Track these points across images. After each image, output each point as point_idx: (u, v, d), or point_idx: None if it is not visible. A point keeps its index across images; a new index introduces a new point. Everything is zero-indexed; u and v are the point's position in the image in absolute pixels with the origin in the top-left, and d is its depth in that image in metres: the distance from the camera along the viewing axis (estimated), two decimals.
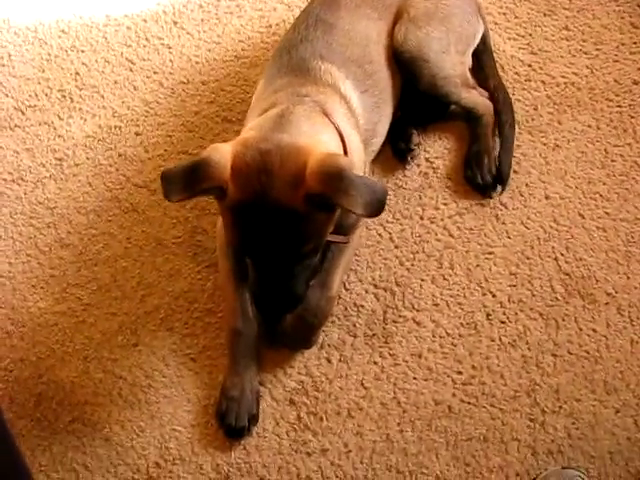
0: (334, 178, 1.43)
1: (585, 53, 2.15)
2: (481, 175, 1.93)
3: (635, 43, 2.16)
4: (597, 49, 2.15)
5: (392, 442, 1.67)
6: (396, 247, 1.88)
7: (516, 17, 2.22)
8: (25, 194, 2.00)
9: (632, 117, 2.05)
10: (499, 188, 1.94)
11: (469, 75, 2.01)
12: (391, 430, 1.68)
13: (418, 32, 1.90)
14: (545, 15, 2.22)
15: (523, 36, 2.18)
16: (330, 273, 1.75)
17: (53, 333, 1.81)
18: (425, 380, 1.72)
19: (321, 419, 1.69)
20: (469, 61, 2.04)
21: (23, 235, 1.95)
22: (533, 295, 1.81)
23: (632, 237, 1.88)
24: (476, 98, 1.99)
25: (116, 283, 1.86)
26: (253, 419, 1.67)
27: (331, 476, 1.65)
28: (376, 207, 1.44)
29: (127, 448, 1.68)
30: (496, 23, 2.20)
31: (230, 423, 1.66)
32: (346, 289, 1.82)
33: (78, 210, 1.96)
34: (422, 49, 1.91)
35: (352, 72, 1.79)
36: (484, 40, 2.08)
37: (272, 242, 1.49)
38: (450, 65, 1.94)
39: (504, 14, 2.22)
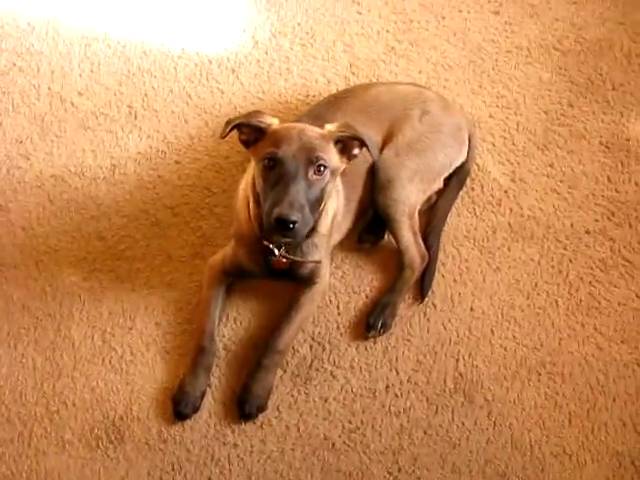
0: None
1: (557, 193, 2.43)
2: (374, 319, 2.31)
3: (603, 196, 2.43)
4: (569, 192, 2.44)
5: (283, 456, 2.21)
6: (339, 314, 2.34)
7: (513, 144, 2.49)
8: (82, 187, 2.48)
9: (571, 262, 2.36)
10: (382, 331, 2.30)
11: (417, 216, 2.32)
12: (286, 447, 2.21)
13: (395, 159, 2.27)
14: (539, 149, 2.49)
15: (512, 163, 2.46)
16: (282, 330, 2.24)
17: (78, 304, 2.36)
18: (323, 419, 2.23)
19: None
20: (435, 187, 2.35)
21: (73, 220, 2.43)
22: (428, 382, 2.25)
23: (525, 361, 2.26)
24: (410, 244, 2.30)
25: (129, 277, 2.37)
26: (195, 410, 2.25)
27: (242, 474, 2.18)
28: None
29: (105, 400, 2.25)
30: (494, 145, 2.48)
31: (180, 409, 2.25)
32: None
33: (117, 212, 2.45)
34: (390, 172, 2.27)
35: None
36: (461, 174, 2.38)
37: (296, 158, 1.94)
38: (407, 192, 2.28)
39: (504, 138, 2.50)
